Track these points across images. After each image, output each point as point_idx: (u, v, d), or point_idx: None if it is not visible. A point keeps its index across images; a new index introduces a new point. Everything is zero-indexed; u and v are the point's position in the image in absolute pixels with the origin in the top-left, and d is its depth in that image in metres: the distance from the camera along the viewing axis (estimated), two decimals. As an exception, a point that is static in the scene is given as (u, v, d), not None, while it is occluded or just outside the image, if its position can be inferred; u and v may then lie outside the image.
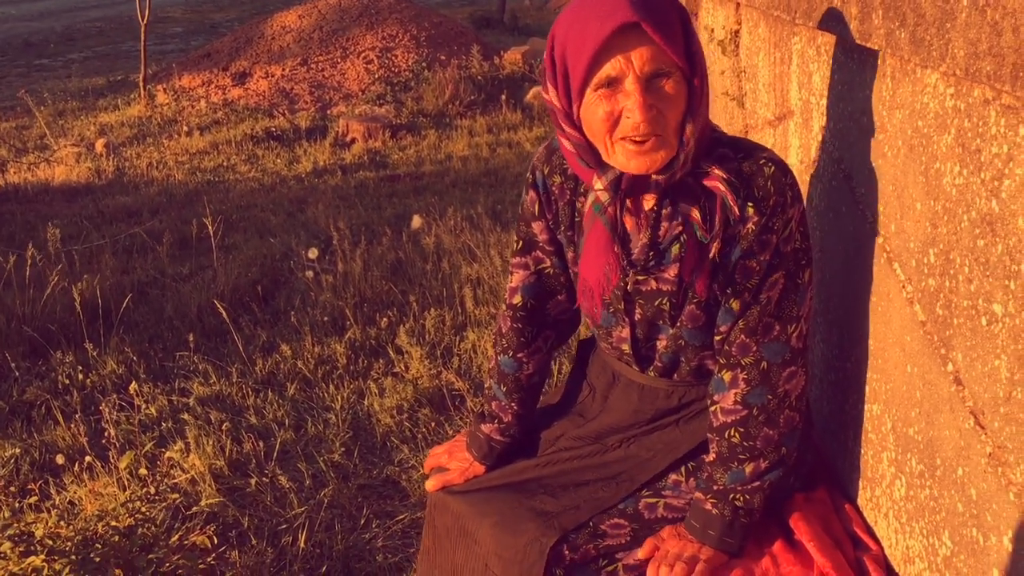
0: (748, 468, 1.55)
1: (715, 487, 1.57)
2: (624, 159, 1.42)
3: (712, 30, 2.96)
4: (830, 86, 1.75)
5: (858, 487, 1.68)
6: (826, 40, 1.75)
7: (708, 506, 1.57)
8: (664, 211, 1.51)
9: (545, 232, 1.69)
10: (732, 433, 1.54)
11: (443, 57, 9.89)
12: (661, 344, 1.63)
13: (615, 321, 1.64)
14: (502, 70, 9.57)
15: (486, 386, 1.92)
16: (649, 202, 1.51)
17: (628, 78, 1.36)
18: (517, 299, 1.77)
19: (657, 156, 1.41)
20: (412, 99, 8.84)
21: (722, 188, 1.45)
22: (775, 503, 1.64)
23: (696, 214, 1.47)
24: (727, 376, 1.54)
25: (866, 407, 1.61)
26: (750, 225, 1.46)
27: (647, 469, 1.67)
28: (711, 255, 1.48)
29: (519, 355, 1.81)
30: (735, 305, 1.52)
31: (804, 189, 1.94)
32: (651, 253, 1.54)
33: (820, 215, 1.82)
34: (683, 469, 1.67)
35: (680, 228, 1.50)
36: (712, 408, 1.57)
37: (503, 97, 8.64)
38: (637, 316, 1.61)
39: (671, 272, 1.54)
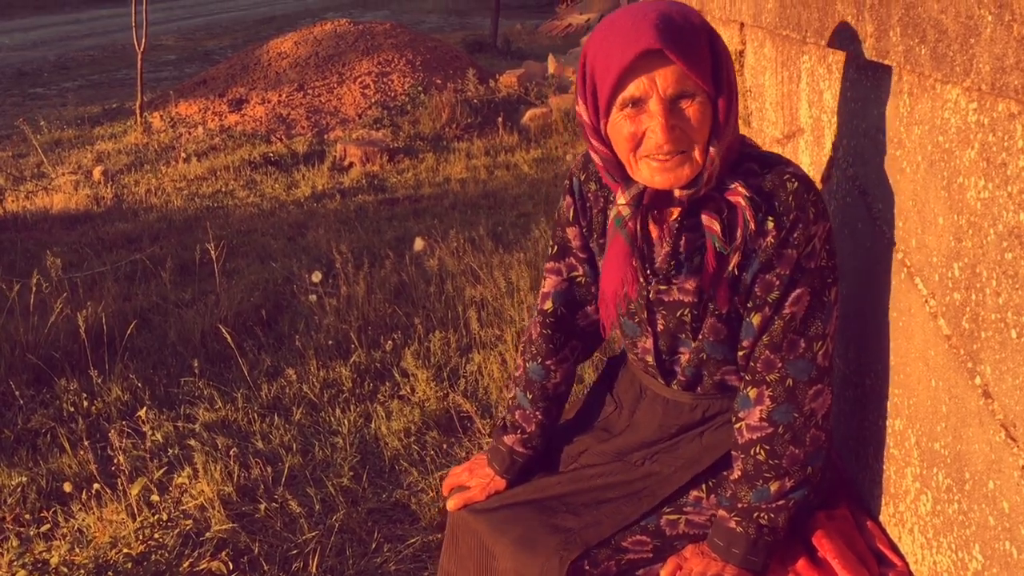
0: (773, 487, 1.54)
1: (740, 505, 1.56)
2: (648, 174, 1.46)
3: (715, 50, 2.98)
4: (842, 103, 1.76)
5: (880, 503, 1.67)
6: (838, 58, 1.77)
7: (732, 524, 1.57)
8: (687, 222, 1.53)
9: (579, 238, 1.72)
10: (757, 450, 1.54)
11: (439, 81, 9.94)
12: (684, 358, 1.64)
13: (639, 331, 1.66)
14: (498, 93, 9.61)
15: (509, 396, 1.93)
16: (674, 213, 1.53)
17: (652, 99, 1.40)
18: (548, 305, 1.80)
19: (681, 172, 1.44)
20: (409, 123, 8.87)
21: (742, 203, 1.46)
22: (797, 521, 1.64)
23: (716, 226, 1.49)
24: (752, 393, 1.55)
25: (887, 422, 1.61)
26: (769, 238, 1.47)
27: (669, 484, 1.67)
28: (731, 267, 1.49)
29: (547, 362, 1.82)
30: (755, 320, 1.53)
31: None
32: (672, 263, 1.56)
33: (835, 232, 1.82)
34: (704, 486, 1.67)
35: (703, 240, 1.52)
36: (737, 425, 1.57)
37: (499, 119, 8.67)
38: (660, 327, 1.63)
39: (691, 283, 1.56)
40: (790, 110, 2.18)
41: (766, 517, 1.55)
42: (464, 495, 1.82)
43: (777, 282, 1.49)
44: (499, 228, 5.56)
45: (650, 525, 1.63)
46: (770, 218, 1.47)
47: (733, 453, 1.60)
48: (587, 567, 1.58)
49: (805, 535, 1.64)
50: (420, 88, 9.53)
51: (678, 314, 1.59)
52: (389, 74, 10.08)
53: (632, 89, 1.40)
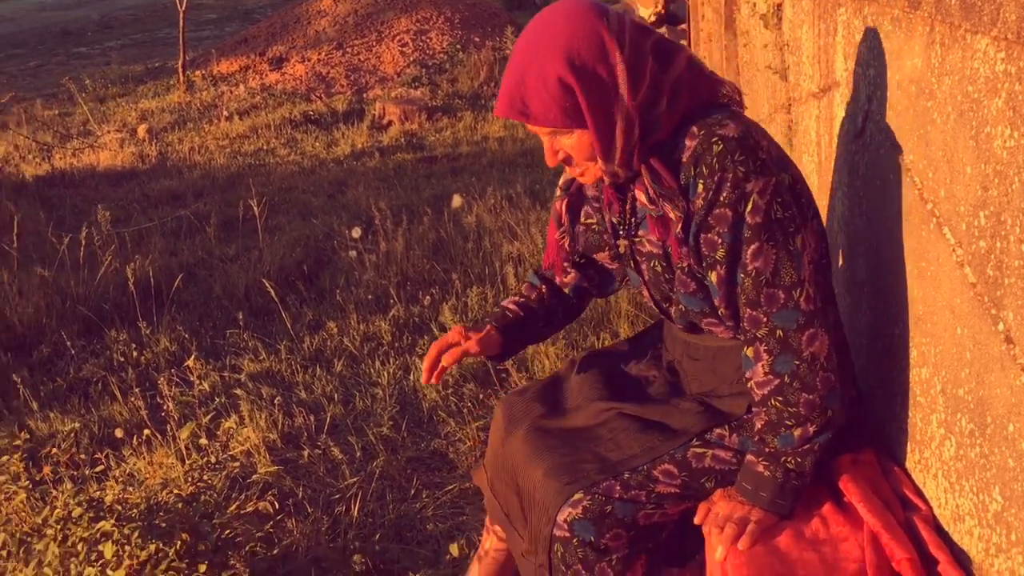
0: (796, 432, 1.58)
1: (767, 449, 1.61)
2: None
3: (754, 4, 2.98)
4: (877, 56, 1.77)
5: (906, 450, 1.71)
6: (873, 10, 1.77)
7: (760, 468, 1.61)
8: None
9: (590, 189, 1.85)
10: (773, 403, 1.59)
11: (477, 39, 9.92)
12: (674, 310, 1.74)
13: (639, 281, 1.78)
14: (536, 51, 9.57)
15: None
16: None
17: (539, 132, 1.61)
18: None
19: (588, 179, 1.66)
20: (447, 81, 8.89)
21: (644, 179, 1.61)
22: (824, 466, 1.68)
23: (642, 196, 1.65)
24: (750, 352, 1.61)
25: (914, 371, 1.64)
26: (699, 201, 1.55)
27: (698, 425, 1.73)
28: (677, 230, 1.59)
29: (564, 263, 1.97)
30: (713, 278, 1.61)
31: (849, 159, 1.96)
32: (629, 219, 1.72)
33: (867, 183, 1.84)
34: (727, 425, 1.73)
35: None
36: (749, 385, 1.63)
37: (538, 78, 8.64)
38: (647, 276, 1.74)
39: (655, 235, 1.66)
40: (826, 63, 2.18)
41: (793, 461, 1.59)
42: (454, 350, 1.88)
43: (719, 240, 1.56)
44: (536, 186, 5.58)
45: (678, 455, 1.70)
46: (700, 181, 1.54)
47: (754, 409, 1.64)
48: (618, 488, 1.66)
49: (831, 480, 1.68)
50: (458, 46, 9.53)
51: (652, 265, 1.70)
52: (428, 32, 10.08)
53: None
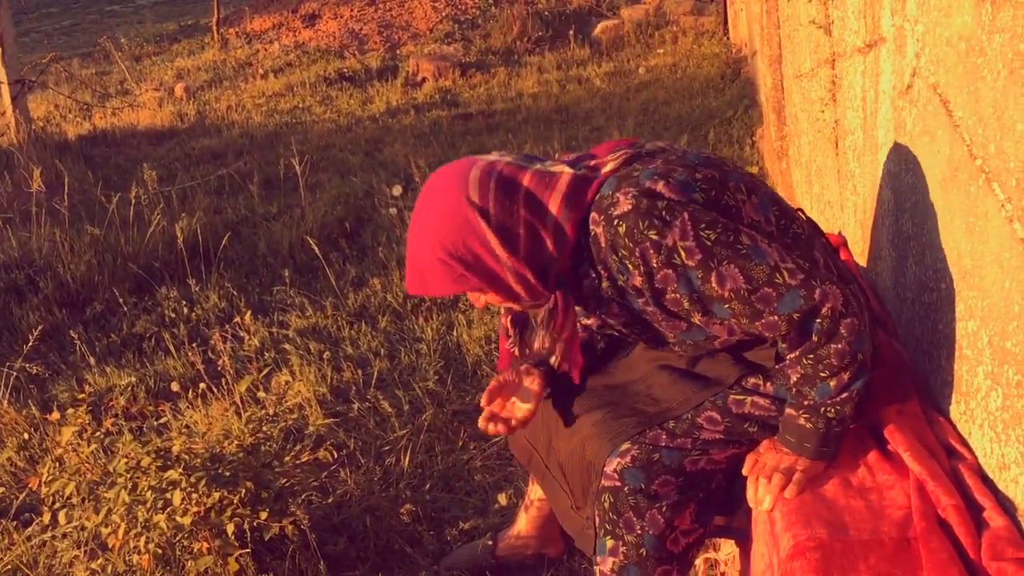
0: (832, 383, 1.62)
1: (806, 402, 1.65)
2: None
3: (797, -41, 2.97)
4: (925, 12, 1.78)
5: (951, 401, 1.74)
6: (923, -34, 1.78)
7: (802, 421, 1.66)
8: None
9: None
10: (805, 361, 1.62)
11: (509, -7, 9.86)
12: (677, 348, 1.80)
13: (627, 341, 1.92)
14: (569, 4, 9.52)
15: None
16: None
17: None
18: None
19: (514, 309, 1.80)
20: (480, 36, 8.87)
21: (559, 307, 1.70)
22: (870, 416, 1.72)
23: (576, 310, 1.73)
24: (783, 344, 1.64)
25: (961, 324, 1.67)
26: (637, 278, 1.59)
27: (734, 372, 1.79)
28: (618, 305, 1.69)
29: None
30: (696, 319, 1.65)
31: (896, 115, 1.98)
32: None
33: (914, 140, 1.86)
34: (760, 375, 1.79)
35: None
36: (788, 359, 1.67)
37: (571, 32, 8.61)
38: (631, 338, 1.85)
39: (613, 311, 1.73)
40: (872, 18, 2.19)
41: (833, 410, 1.64)
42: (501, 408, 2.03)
43: (679, 296, 1.59)
44: (572, 142, 5.60)
45: (719, 402, 1.77)
46: (627, 263, 1.58)
47: (788, 364, 1.68)
48: (664, 436, 1.73)
49: (877, 430, 1.73)
50: (491, 1, 9.48)
51: (624, 330, 1.78)
52: (460, -13, 10.02)
53: None
